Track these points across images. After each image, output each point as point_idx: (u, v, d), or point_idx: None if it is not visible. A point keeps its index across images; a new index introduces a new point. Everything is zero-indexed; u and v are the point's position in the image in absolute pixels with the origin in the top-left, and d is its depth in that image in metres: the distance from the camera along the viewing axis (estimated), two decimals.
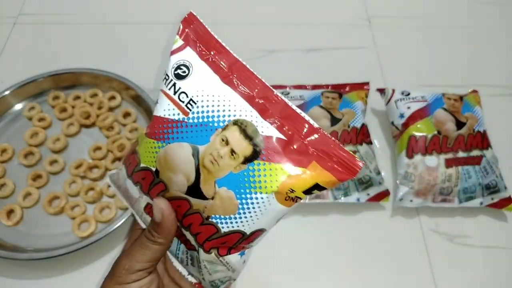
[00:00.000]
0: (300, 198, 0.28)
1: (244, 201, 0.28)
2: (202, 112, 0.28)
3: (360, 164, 0.26)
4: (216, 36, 0.31)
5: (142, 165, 0.31)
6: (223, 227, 0.29)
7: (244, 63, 0.30)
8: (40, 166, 0.57)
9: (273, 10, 0.77)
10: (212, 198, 0.28)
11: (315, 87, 0.61)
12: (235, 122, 0.28)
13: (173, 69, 0.30)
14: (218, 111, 0.28)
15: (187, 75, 0.30)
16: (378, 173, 0.55)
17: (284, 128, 0.27)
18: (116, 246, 0.52)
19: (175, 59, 0.31)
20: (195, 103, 0.29)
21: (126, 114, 0.61)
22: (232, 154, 0.27)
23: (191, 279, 0.33)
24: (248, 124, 0.27)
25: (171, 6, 0.77)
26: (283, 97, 0.28)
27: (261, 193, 0.27)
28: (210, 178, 0.28)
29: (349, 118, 0.56)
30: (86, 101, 0.62)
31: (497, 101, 0.66)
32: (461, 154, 0.54)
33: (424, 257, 0.52)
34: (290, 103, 0.28)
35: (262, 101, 0.28)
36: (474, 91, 0.61)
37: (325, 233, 0.54)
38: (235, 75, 0.29)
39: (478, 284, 0.51)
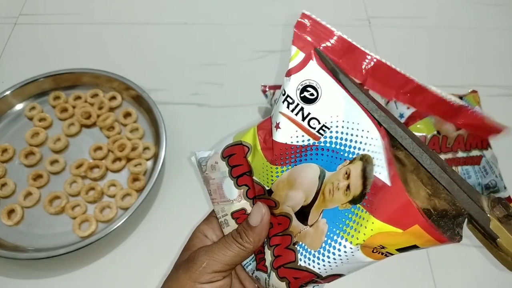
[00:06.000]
0: (392, 254, 0.25)
1: (329, 241, 0.26)
2: (336, 138, 0.26)
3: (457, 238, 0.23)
4: (340, 33, 0.26)
5: (254, 178, 0.29)
6: (300, 259, 0.27)
7: (380, 58, 0.25)
8: (40, 166, 0.57)
9: (273, 10, 0.77)
10: (311, 226, 0.27)
11: None
12: (362, 158, 0.25)
13: (298, 92, 0.26)
14: (351, 140, 0.25)
15: (316, 98, 0.26)
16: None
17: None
18: (116, 246, 0.52)
19: (299, 80, 0.26)
20: (329, 129, 0.26)
21: (127, 114, 0.61)
22: (347, 190, 0.25)
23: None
24: (369, 161, 0.25)
25: (171, 6, 0.77)
26: (436, 91, 0.24)
27: (346, 240, 0.25)
28: (321, 206, 0.27)
29: None
30: (86, 101, 0.62)
31: (497, 101, 0.66)
32: (460, 154, 0.54)
33: (424, 257, 0.52)
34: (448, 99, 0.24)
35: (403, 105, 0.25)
36: (474, 91, 0.61)
37: None
38: (368, 80, 0.26)
39: (477, 284, 0.51)
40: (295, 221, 0.28)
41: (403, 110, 0.58)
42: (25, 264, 0.51)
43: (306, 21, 0.26)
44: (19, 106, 0.62)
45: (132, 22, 0.75)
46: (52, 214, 0.53)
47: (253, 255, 0.31)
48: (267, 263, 0.29)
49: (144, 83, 0.62)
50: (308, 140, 0.26)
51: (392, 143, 0.25)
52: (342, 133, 0.26)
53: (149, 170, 0.56)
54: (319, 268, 0.27)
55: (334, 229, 0.25)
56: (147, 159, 0.57)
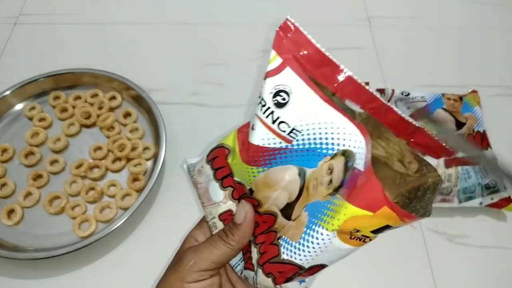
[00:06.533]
0: (369, 237, 0.27)
1: (308, 231, 0.27)
2: (309, 139, 0.27)
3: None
4: (318, 46, 0.27)
5: (236, 178, 0.30)
6: (283, 252, 0.28)
7: (352, 75, 0.26)
8: (40, 166, 0.57)
9: (273, 11, 0.77)
10: (294, 220, 0.28)
11: None
12: (344, 153, 0.26)
13: (271, 95, 0.27)
14: (326, 138, 0.26)
15: (286, 102, 0.27)
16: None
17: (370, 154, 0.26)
18: (116, 246, 0.52)
19: (273, 84, 0.27)
20: (299, 132, 0.27)
21: (127, 114, 0.61)
22: (329, 184, 0.26)
23: None
24: (352, 156, 0.26)
25: (171, 6, 0.77)
26: (398, 112, 0.26)
27: (323, 228, 0.26)
28: (305, 201, 0.28)
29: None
30: (86, 101, 0.62)
31: (497, 101, 0.66)
32: (460, 154, 0.54)
33: (424, 257, 0.52)
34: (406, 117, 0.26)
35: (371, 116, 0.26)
36: (474, 91, 0.61)
37: None
38: (339, 93, 0.27)
39: (477, 284, 0.51)
40: (280, 218, 0.29)
41: (403, 110, 0.58)
42: (25, 264, 0.51)
43: (289, 27, 0.27)
44: (19, 106, 0.62)
45: (132, 22, 0.75)
46: (52, 214, 0.53)
47: (241, 255, 0.32)
48: (254, 261, 0.30)
49: (144, 83, 0.62)
50: (280, 143, 0.27)
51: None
52: (315, 133, 0.26)
53: (149, 170, 0.56)
54: (300, 260, 0.28)
55: (313, 219, 0.27)
56: (147, 159, 0.57)
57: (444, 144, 0.25)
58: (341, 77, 0.26)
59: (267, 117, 0.27)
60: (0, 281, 0.49)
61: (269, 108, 0.27)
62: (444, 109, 0.57)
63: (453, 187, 0.53)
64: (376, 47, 0.72)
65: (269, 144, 0.27)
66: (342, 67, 0.26)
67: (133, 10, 0.76)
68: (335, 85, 0.26)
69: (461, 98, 0.59)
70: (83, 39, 0.72)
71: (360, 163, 0.26)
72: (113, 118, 0.60)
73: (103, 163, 0.56)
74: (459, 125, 0.56)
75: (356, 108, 0.26)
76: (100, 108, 0.61)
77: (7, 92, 0.60)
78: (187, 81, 0.67)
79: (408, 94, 0.59)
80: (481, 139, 0.56)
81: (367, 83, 0.68)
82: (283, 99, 0.26)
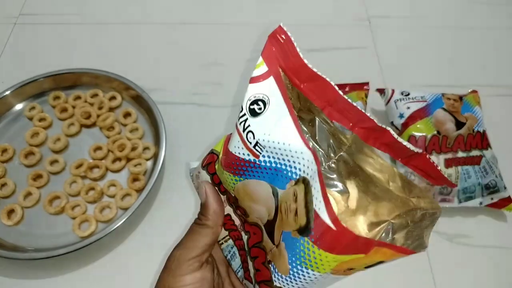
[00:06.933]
0: (363, 270, 0.26)
1: (295, 270, 0.25)
2: (274, 157, 0.25)
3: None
4: (306, 61, 0.25)
5: (224, 185, 0.30)
6: (275, 280, 0.27)
7: (341, 94, 0.25)
8: (40, 166, 0.57)
9: (273, 11, 0.77)
10: (277, 247, 0.27)
11: None
12: (304, 180, 0.24)
13: (249, 102, 0.25)
14: (289, 160, 0.24)
15: (261, 112, 0.25)
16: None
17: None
18: (116, 246, 0.52)
19: (254, 91, 0.25)
20: (263, 148, 0.25)
21: (127, 114, 0.61)
22: (295, 215, 0.24)
23: None
24: (309, 187, 0.24)
25: (171, 6, 0.77)
26: (394, 135, 0.23)
27: (313, 270, 0.25)
28: (280, 226, 0.26)
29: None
30: (86, 101, 0.62)
31: (497, 101, 0.66)
32: (460, 154, 0.54)
33: (424, 256, 0.52)
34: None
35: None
36: (474, 91, 0.61)
37: None
38: (328, 109, 0.25)
39: (477, 284, 0.51)
40: (265, 236, 0.28)
41: (403, 110, 0.58)
42: (25, 264, 0.51)
43: (281, 36, 0.25)
44: (19, 106, 0.62)
45: (132, 22, 0.75)
46: (52, 214, 0.53)
47: (240, 262, 0.31)
48: (251, 275, 0.29)
49: (144, 83, 0.62)
50: (249, 155, 0.26)
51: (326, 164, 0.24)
52: (277, 153, 0.25)
53: (149, 170, 0.56)
54: None
55: (294, 259, 0.25)
56: (147, 159, 0.57)
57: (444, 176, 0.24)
58: (330, 93, 0.25)
59: (240, 123, 0.26)
60: (0, 281, 0.49)
61: (244, 115, 0.25)
62: (444, 109, 0.57)
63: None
64: (376, 47, 0.72)
65: (238, 153, 0.26)
66: (332, 83, 0.25)
67: (133, 10, 0.76)
68: (323, 100, 0.25)
69: (461, 98, 0.59)
70: (83, 39, 0.72)
71: (320, 208, 0.23)
72: (113, 118, 0.60)
73: (103, 163, 0.56)
74: (459, 125, 0.56)
75: (345, 130, 0.25)
76: (100, 108, 0.61)
77: (7, 92, 0.60)
78: (187, 81, 0.67)
79: (408, 94, 0.59)
80: (481, 139, 0.56)
81: (367, 83, 0.68)
82: (260, 108, 0.25)
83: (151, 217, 0.55)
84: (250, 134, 0.25)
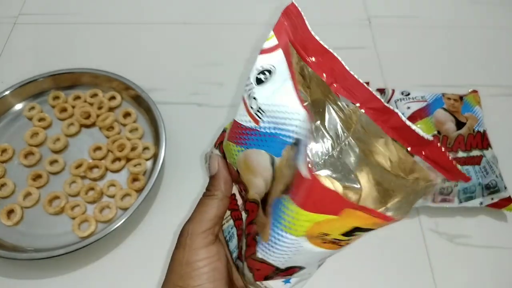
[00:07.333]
0: (345, 241, 0.25)
1: (275, 234, 0.25)
2: (273, 123, 0.25)
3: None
4: (313, 34, 0.26)
5: (228, 161, 0.30)
6: (258, 251, 0.27)
7: (349, 70, 0.25)
8: (40, 166, 0.57)
9: (273, 10, 0.77)
10: (266, 216, 0.26)
11: None
12: (295, 143, 0.24)
13: (256, 72, 0.26)
14: (285, 124, 0.25)
15: (266, 81, 0.26)
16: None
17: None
18: (116, 246, 0.52)
19: (262, 61, 0.27)
20: (264, 112, 0.25)
21: (126, 114, 0.61)
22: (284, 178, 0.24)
23: None
24: (299, 146, 0.24)
25: (171, 6, 0.77)
26: (402, 117, 0.23)
27: (287, 232, 0.24)
28: (273, 195, 0.26)
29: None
30: (86, 101, 0.62)
31: (497, 101, 0.66)
32: (461, 154, 0.54)
33: (424, 257, 0.52)
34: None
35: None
36: (474, 91, 0.61)
37: None
38: (336, 85, 0.25)
39: (477, 284, 0.51)
40: (260, 211, 0.27)
41: (404, 110, 0.58)
42: (25, 264, 0.50)
43: (292, 12, 0.26)
44: (18, 106, 0.62)
45: (132, 22, 0.75)
46: (51, 214, 0.53)
47: (237, 243, 0.31)
48: (243, 252, 0.29)
49: (144, 83, 0.62)
50: (250, 122, 0.26)
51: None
52: (275, 117, 0.25)
53: (149, 170, 0.56)
54: (274, 260, 0.27)
55: (275, 222, 0.25)
56: (147, 159, 0.57)
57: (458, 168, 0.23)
58: (338, 69, 0.25)
59: (245, 91, 0.27)
60: (0, 281, 0.49)
61: (251, 83, 0.26)
62: (444, 109, 0.57)
63: (453, 187, 0.53)
64: (376, 47, 0.72)
65: (242, 121, 0.27)
66: (339, 58, 0.25)
67: (133, 10, 0.76)
68: (332, 75, 0.25)
69: (461, 98, 0.59)
70: (82, 39, 0.72)
71: (302, 161, 0.23)
72: (113, 118, 0.60)
73: (103, 163, 0.56)
74: (460, 125, 0.56)
75: (352, 106, 0.24)
76: (99, 108, 0.61)
77: (7, 92, 0.60)
78: (187, 81, 0.67)
79: (408, 94, 0.59)
80: (481, 139, 0.56)
81: (367, 83, 0.68)
82: (266, 78, 0.26)
83: (151, 217, 0.55)
84: (253, 101, 0.26)
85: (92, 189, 0.54)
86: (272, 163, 0.26)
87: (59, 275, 0.50)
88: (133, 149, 0.57)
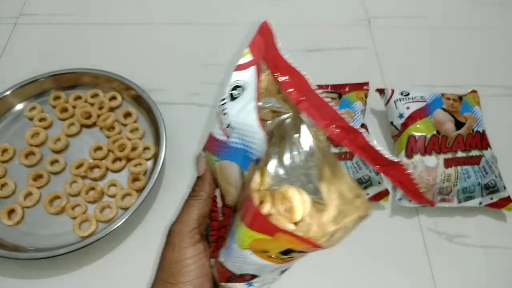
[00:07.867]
0: (284, 257, 0.25)
1: (229, 242, 0.26)
2: (240, 138, 0.26)
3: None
4: (282, 53, 0.26)
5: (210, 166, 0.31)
6: (220, 255, 0.28)
7: (315, 89, 0.25)
8: (41, 166, 0.57)
9: (273, 10, 0.77)
10: (230, 224, 0.27)
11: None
12: (256, 162, 0.25)
13: (230, 87, 0.27)
14: (250, 142, 0.26)
15: (238, 97, 0.27)
16: (377, 173, 0.55)
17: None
18: (116, 246, 0.52)
19: (236, 77, 0.28)
20: (233, 129, 0.27)
21: (127, 114, 0.61)
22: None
23: None
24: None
25: (171, 6, 0.77)
26: (367, 138, 0.23)
27: (236, 244, 0.25)
28: (240, 204, 0.27)
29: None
30: (87, 101, 0.62)
31: (497, 101, 0.66)
32: (460, 154, 0.54)
33: (424, 256, 0.52)
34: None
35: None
36: (474, 91, 0.61)
37: None
38: (303, 103, 0.25)
39: (477, 283, 0.51)
40: (232, 218, 0.28)
41: (403, 110, 0.58)
42: (25, 264, 0.51)
43: (266, 30, 0.27)
44: (19, 106, 0.62)
45: (132, 22, 0.75)
46: (52, 214, 0.53)
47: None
48: (213, 252, 0.31)
49: (144, 83, 0.62)
50: (222, 135, 0.28)
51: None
52: (242, 134, 0.26)
53: (149, 170, 0.56)
54: (229, 266, 0.28)
55: (232, 231, 0.26)
56: (147, 159, 0.57)
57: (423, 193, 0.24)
58: (306, 89, 0.25)
59: (219, 106, 0.28)
60: (0, 281, 0.50)
61: (225, 98, 0.27)
62: (444, 109, 0.57)
63: (452, 187, 0.53)
64: (376, 47, 0.73)
65: (215, 133, 0.28)
66: (306, 78, 0.25)
67: (133, 10, 0.76)
68: (300, 94, 0.25)
69: (460, 98, 0.59)
70: (83, 39, 0.72)
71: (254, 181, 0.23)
72: (113, 118, 0.60)
73: (103, 163, 0.56)
74: (459, 125, 0.56)
75: (315, 128, 0.25)
76: (100, 108, 0.61)
77: (8, 92, 0.60)
78: (187, 81, 0.67)
79: (408, 94, 0.59)
80: (481, 139, 0.56)
81: (367, 83, 0.68)
82: (238, 93, 0.27)
83: (151, 217, 0.55)
84: (225, 116, 0.27)
85: (92, 189, 0.55)
86: (242, 175, 0.27)
87: (60, 274, 0.50)
88: (133, 149, 0.57)
